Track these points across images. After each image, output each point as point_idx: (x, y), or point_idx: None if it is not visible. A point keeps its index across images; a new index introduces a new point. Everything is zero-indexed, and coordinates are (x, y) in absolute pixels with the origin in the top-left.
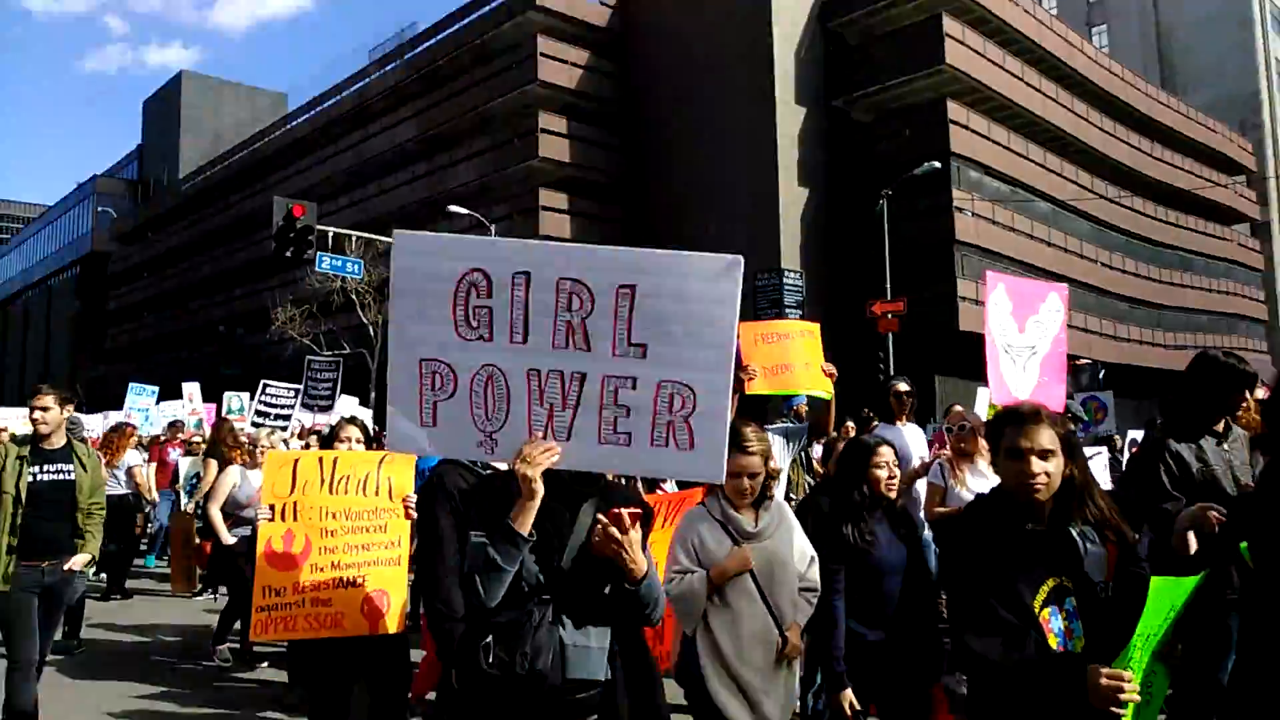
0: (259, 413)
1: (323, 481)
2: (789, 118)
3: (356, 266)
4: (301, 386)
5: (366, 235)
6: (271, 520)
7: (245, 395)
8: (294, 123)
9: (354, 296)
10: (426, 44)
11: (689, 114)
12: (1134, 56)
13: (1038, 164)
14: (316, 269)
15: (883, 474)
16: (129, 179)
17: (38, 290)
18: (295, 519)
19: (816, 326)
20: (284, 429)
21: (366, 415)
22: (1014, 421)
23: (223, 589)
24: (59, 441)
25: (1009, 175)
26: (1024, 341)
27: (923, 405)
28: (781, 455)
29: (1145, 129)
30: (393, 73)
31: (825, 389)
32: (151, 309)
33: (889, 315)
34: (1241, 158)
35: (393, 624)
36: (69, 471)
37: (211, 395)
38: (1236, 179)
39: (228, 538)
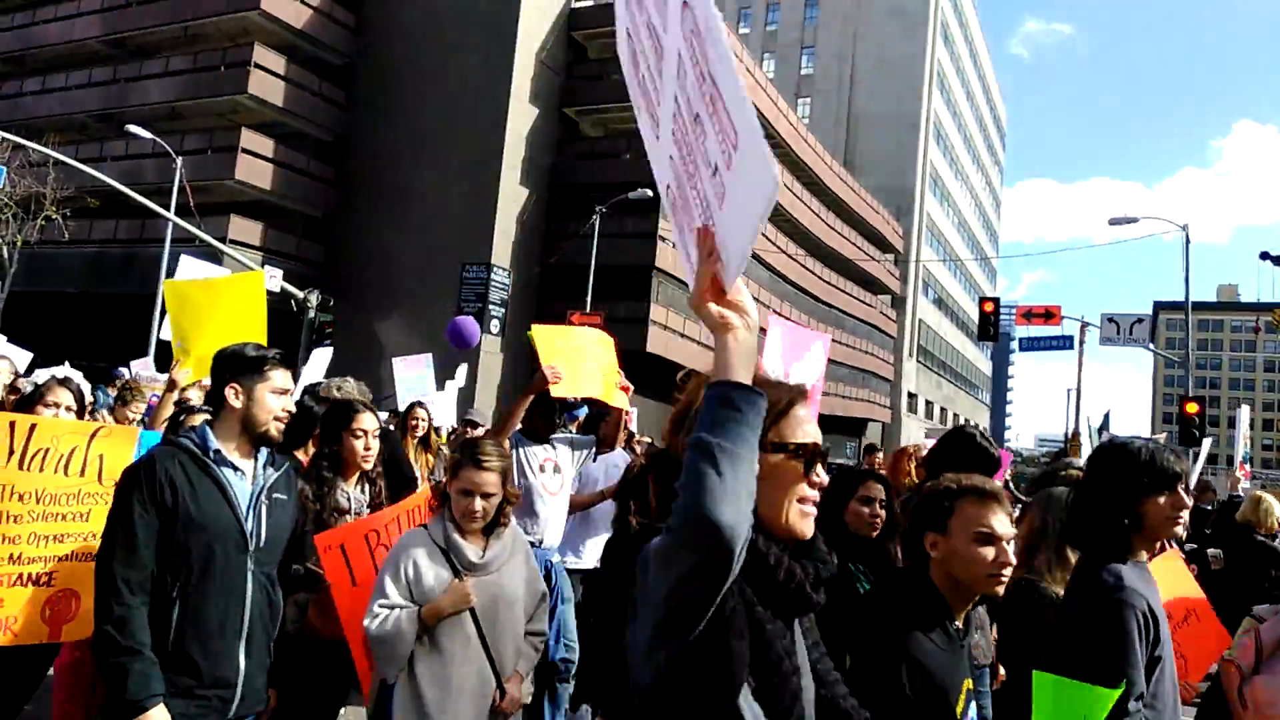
0: None
1: (11, 453)
2: (521, 115)
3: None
4: None
5: (16, 139)
6: None
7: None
8: None
9: None
10: None
11: (420, 88)
12: (827, 133)
13: None
14: None
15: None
16: None
17: None
18: None
19: (610, 339)
20: None
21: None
22: (978, 497)
23: None
24: None
25: None
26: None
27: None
28: (568, 465)
29: (826, 199)
30: None
31: (620, 401)
32: None
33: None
34: (894, 240)
35: (80, 630)
36: None
37: None
38: (888, 256)
39: None
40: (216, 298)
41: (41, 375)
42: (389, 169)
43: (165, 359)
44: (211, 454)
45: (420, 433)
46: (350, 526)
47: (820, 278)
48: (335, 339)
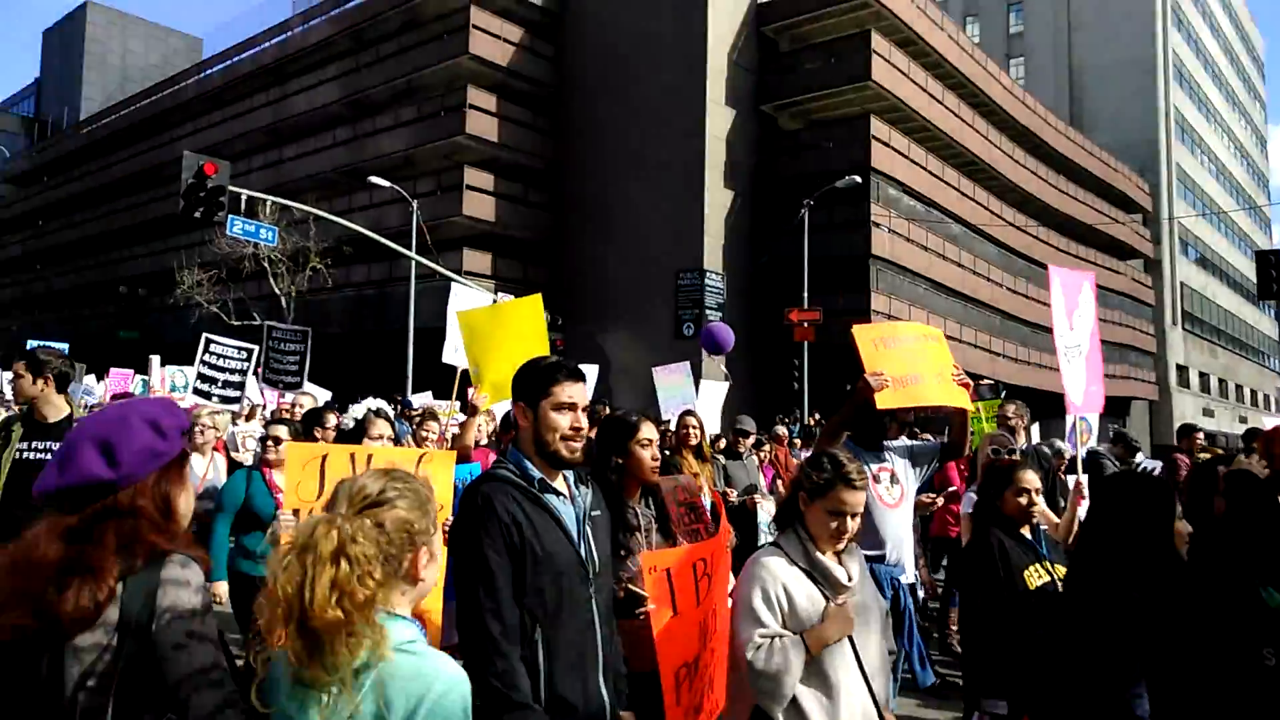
0: (203, 378)
1: None
2: (719, 118)
3: (271, 234)
4: (254, 350)
5: (282, 201)
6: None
7: (189, 370)
8: (209, 71)
9: (266, 264)
10: (355, 1)
11: (620, 106)
12: (1047, 92)
13: (952, 186)
14: (227, 232)
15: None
16: (25, 115)
17: None
18: None
19: (939, 331)
20: (234, 402)
21: (326, 396)
22: None
23: None
24: (54, 416)
25: (924, 195)
26: (1072, 340)
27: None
28: (906, 475)
29: (1053, 162)
30: (317, 29)
31: (963, 401)
32: (45, 261)
33: (805, 324)
34: (1139, 197)
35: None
36: None
37: (109, 361)
38: (1134, 217)
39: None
40: (502, 323)
41: (357, 410)
42: (598, 187)
43: (439, 387)
44: (536, 483)
45: (694, 441)
46: (679, 552)
47: (1056, 248)
48: (566, 356)
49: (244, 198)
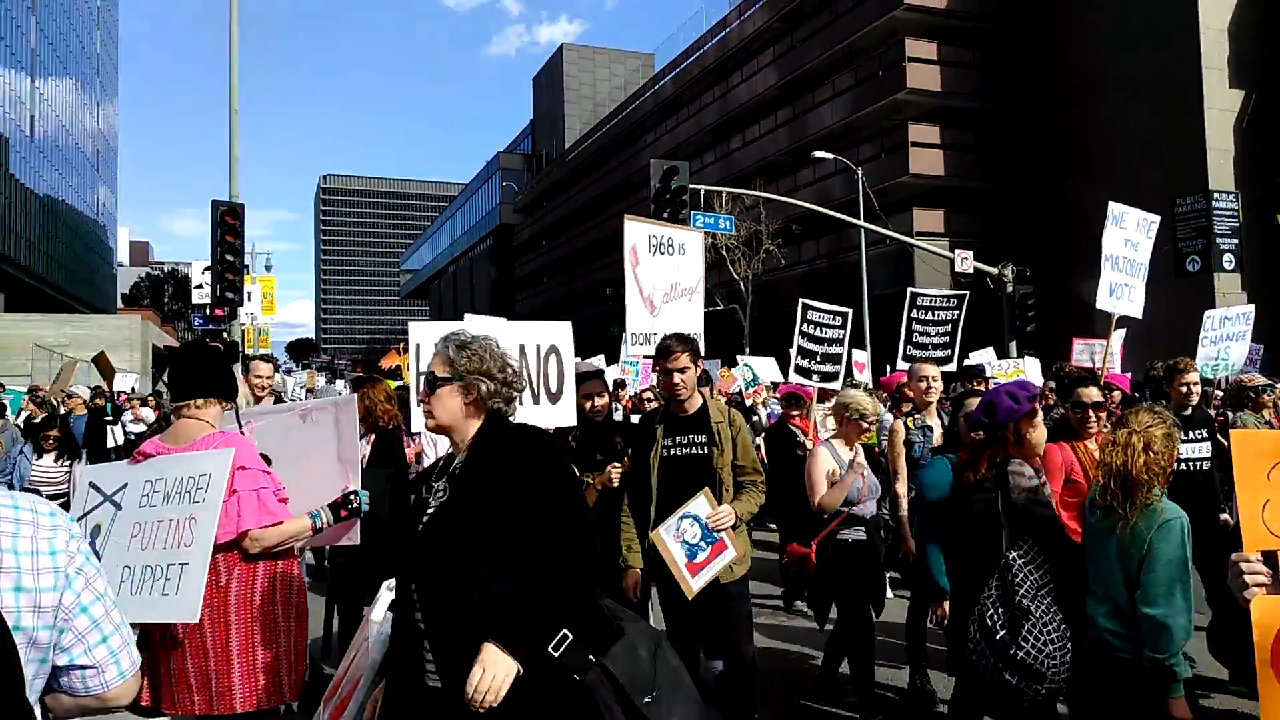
0: (803, 352)
1: None
2: (1215, 6)
3: (729, 223)
4: (850, 314)
5: (734, 190)
6: None
7: (770, 361)
8: (660, 83)
9: (724, 253)
10: None
11: (1077, 18)
12: None
13: None
14: (691, 227)
15: None
16: (525, 153)
17: (461, 262)
18: None
19: None
20: (832, 379)
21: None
22: None
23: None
24: (692, 407)
25: None
26: None
27: None
28: None
29: None
30: (752, 18)
31: None
32: (550, 275)
33: None
34: None
35: None
36: (703, 445)
37: (609, 354)
38: None
39: None
40: None
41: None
42: (1061, 118)
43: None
44: None
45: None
46: None
47: None
48: (1036, 309)
49: (702, 192)
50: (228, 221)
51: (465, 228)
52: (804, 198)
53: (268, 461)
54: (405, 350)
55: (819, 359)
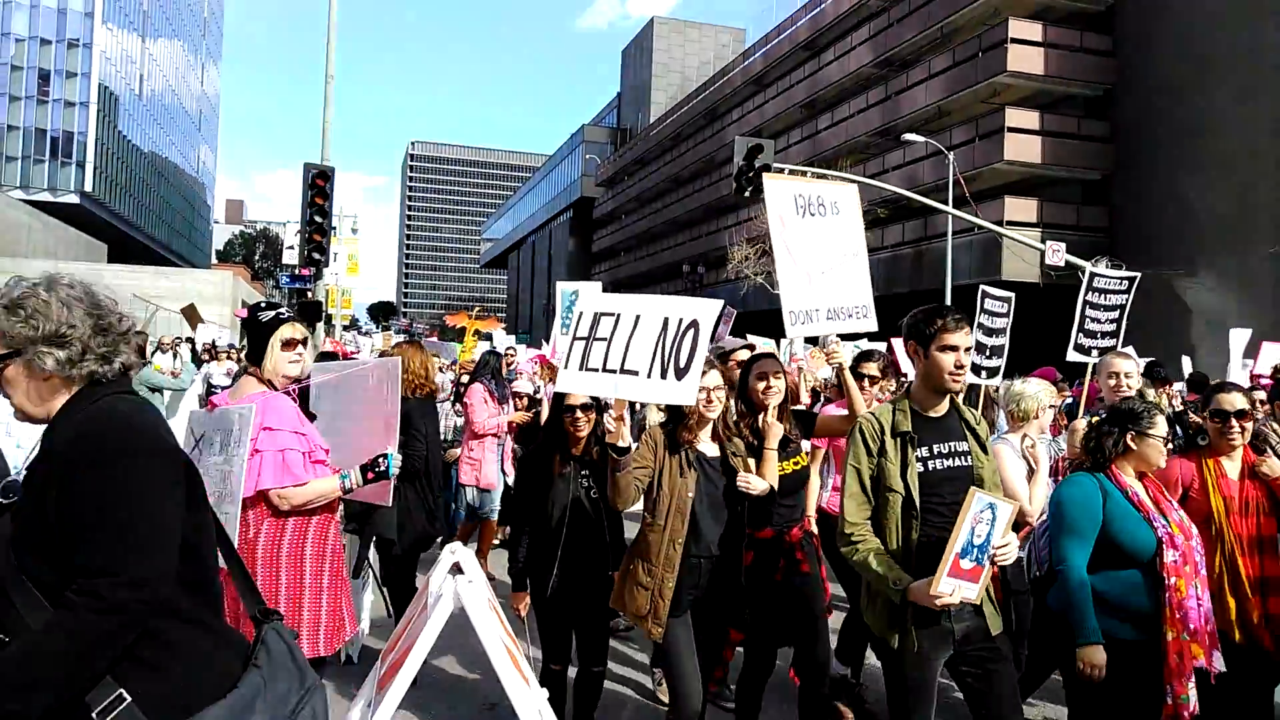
0: (985, 328)
1: None
2: None
3: None
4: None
5: (818, 170)
6: None
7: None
8: (750, 59)
9: None
10: None
11: (1199, 2)
12: None
13: None
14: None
15: None
16: (610, 126)
17: (541, 233)
18: None
19: None
20: (994, 374)
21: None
22: None
23: None
24: (942, 409)
25: None
26: None
27: None
28: None
29: None
30: None
31: None
32: (628, 249)
33: None
34: None
35: None
36: (965, 455)
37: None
38: None
39: None
40: None
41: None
42: (1173, 108)
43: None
44: None
45: None
46: None
47: None
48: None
49: (786, 172)
50: (318, 184)
51: (547, 199)
52: (891, 181)
53: (312, 419)
54: (478, 315)
55: (987, 353)
